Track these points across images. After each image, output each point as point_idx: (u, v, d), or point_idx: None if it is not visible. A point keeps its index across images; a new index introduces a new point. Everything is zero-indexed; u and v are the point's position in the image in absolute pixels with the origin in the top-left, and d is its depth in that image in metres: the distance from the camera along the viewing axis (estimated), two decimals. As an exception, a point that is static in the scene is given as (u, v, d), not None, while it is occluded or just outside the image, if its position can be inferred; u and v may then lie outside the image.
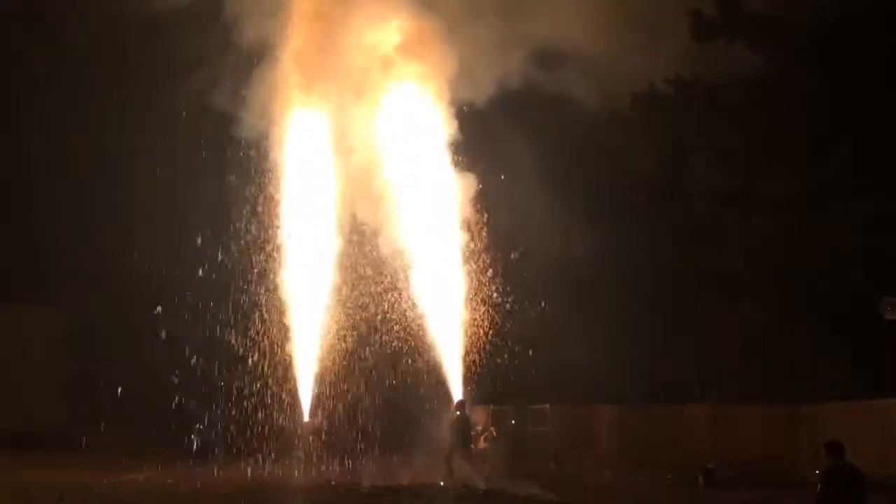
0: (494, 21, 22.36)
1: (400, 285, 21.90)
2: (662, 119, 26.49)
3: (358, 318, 22.47)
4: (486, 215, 21.96)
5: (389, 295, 22.11)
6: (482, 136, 22.44)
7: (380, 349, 22.77)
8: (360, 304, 22.40)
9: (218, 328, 23.43)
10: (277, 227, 22.65)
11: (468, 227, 21.67)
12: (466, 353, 21.53)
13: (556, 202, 24.84)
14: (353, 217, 22.38)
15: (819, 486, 9.85)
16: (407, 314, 21.96)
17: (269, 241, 22.58)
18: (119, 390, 26.81)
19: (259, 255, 22.62)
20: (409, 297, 21.80)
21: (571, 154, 26.28)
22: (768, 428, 24.02)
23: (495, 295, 22.14)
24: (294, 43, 22.43)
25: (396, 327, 22.17)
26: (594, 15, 22.80)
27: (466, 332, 21.54)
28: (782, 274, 25.23)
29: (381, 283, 22.17)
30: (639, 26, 23.94)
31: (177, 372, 24.54)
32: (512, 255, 22.46)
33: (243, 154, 22.25)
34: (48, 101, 28.31)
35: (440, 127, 21.79)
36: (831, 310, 23.66)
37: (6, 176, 29.09)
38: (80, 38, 27.44)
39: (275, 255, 22.54)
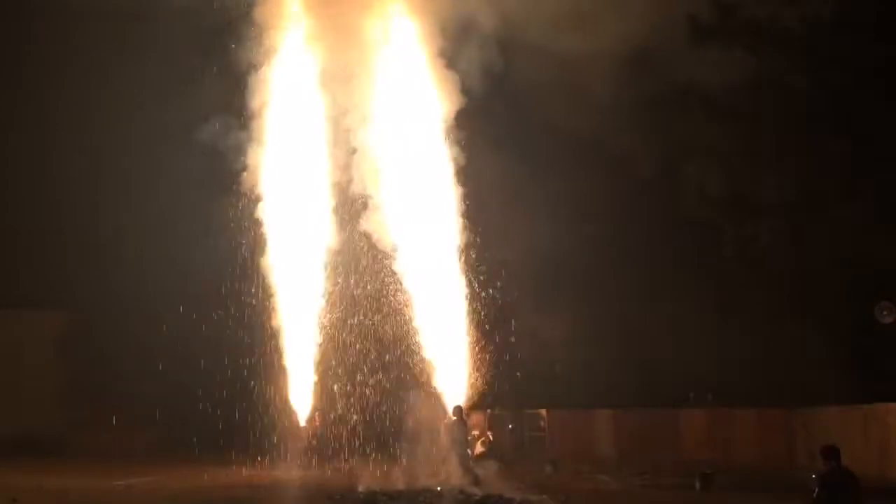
0: (492, 18, 22.41)
1: (394, 285, 21.91)
2: (659, 123, 26.51)
3: (353, 321, 22.50)
4: (478, 215, 21.99)
5: (384, 296, 22.12)
6: (473, 139, 22.43)
7: (376, 352, 22.78)
8: (353, 305, 22.43)
9: (215, 331, 23.49)
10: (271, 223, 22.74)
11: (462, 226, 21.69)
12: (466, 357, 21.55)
13: (551, 205, 24.88)
14: (346, 210, 22.46)
15: (815, 490, 9.91)
16: (403, 316, 21.96)
17: (264, 238, 22.64)
18: (117, 394, 26.87)
19: (256, 254, 22.67)
20: (403, 298, 21.80)
21: (567, 158, 26.30)
22: (765, 432, 24.03)
23: (491, 297, 22.16)
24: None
25: (392, 328, 22.18)
26: (591, 18, 22.84)
27: (463, 334, 21.54)
28: (779, 278, 25.26)
29: (376, 282, 22.18)
30: (635, 30, 24.00)
31: (177, 376, 24.60)
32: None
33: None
34: (47, 104, 28.29)
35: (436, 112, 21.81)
36: (828, 314, 23.68)
37: (6, 179, 29.09)
38: (85, 40, 27.44)
39: (269, 252, 22.58)
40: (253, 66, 22.39)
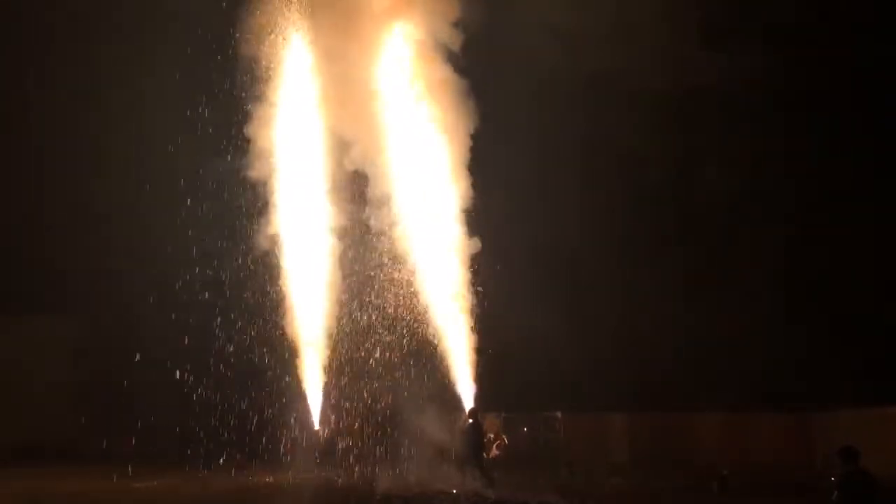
0: (503, 20, 22.39)
1: (405, 286, 21.97)
2: (674, 124, 26.48)
3: (365, 323, 22.56)
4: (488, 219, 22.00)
5: (396, 297, 22.18)
6: (486, 137, 22.40)
7: (388, 355, 22.81)
8: (365, 308, 22.51)
9: (228, 337, 23.59)
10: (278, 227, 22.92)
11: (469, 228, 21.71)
12: (477, 360, 21.53)
13: (565, 206, 24.86)
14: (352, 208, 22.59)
15: (834, 492, 9.85)
16: (416, 319, 21.99)
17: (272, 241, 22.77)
18: (129, 399, 26.96)
19: (264, 258, 22.79)
20: (416, 299, 21.84)
21: (582, 159, 26.29)
22: (781, 435, 23.91)
23: (502, 300, 22.15)
24: None
25: (405, 331, 22.22)
26: (606, 21, 22.85)
27: (477, 338, 21.54)
28: (796, 280, 25.17)
29: (387, 282, 22.25)
30: (651, 32, 24.02)
31: (187, 380, 24.69)
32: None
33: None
34: (57, 107, 28.42)
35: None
36: (846, 316, 23.57)
37: (18, 186, 29.27)
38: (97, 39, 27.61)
39: (277, 255, 22.71)
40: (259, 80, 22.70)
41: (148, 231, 27.35)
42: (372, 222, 22.21)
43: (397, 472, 21.16)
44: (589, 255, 25.37)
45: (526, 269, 24.46)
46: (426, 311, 21.82)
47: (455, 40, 21.84)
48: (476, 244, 21.55)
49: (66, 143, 28.69)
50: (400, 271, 22.11)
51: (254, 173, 23.13)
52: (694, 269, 26.20)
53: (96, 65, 27.59)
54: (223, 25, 22.61)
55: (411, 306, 22.08)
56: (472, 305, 21.59)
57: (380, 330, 22.53)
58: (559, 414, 26.88)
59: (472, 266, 21.68)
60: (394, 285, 22.25)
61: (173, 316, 24.53)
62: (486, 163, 22.18)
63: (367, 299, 22.63)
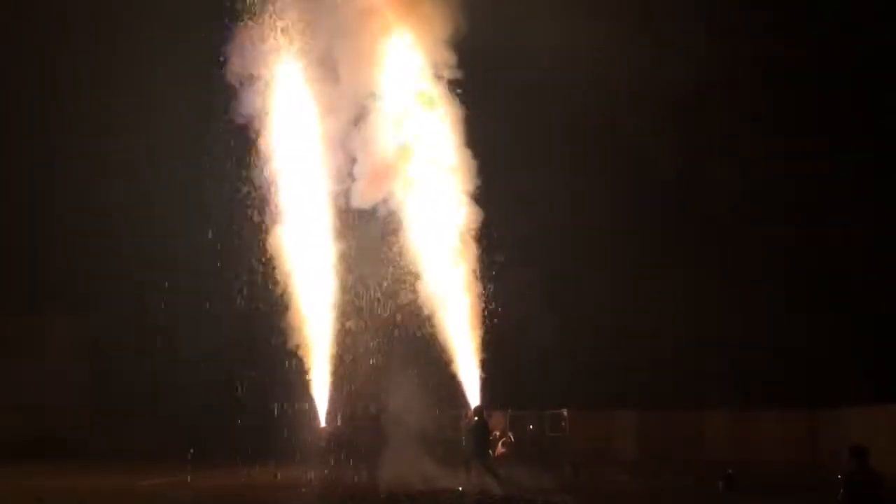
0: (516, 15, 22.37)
1: (410, 285, 21.98)
2: (682, 121, 26.48)
3: (369, 322, 22.57)
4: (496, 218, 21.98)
5: (400, 296, 22.18)
6: (496, 140, 22.38)
7: (393, 354, 22.81)
8: (369, 308, 22.52)
9: (234, 335, 23.63)
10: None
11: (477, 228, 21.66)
12: (483, 358, 21.53)
13: (574, 203, 24.84)
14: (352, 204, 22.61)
15: (841, 490, 9.82)
16: (420, 315, 21.99)
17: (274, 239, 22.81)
18: (140, 397, 27.10)
19: (270, 258, 22.81)
20: (420, 297, 21.84)
21: (592, 154, 26.28)
22: (789, 433, 23.92)
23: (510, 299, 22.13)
24: None
25: (410, 328, 22.23)
26: (615, 15, 22.83)
27: (483, 336, 21.53)
28: (803, 279, 25.14)
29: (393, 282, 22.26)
30: (660, 28, 24.02)
31: (197, 380, 24.79)
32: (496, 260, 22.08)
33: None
34: (72, 109, 28.49)
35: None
36: (853, 314, 23.54)
37: (31, 186, 29.39)
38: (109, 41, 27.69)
39: (282, 253, 22.74)
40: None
41: (158, 231, 27.45)
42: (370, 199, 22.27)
43: (401, 469, 21.13)
44: (594, 256, 25.37)
45: (531, 268, 24.44)
46: (433, 307, 21.84)
47: (459, 38, 21.84)
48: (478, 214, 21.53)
49: (82, 150, 28.79)
50: (407, 269, 22.13)
51: (257, 172, 23.15)
52: (701, 269, 26.19)
53: (109, 65, 27.65)
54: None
55: (418, 301, 22.10)
56: (480, 301, 21.60)
57: (385, 325, 22.56)
58: (565, 412, 26.88)
59: (480, 260, 21.71)
60: (400, 283, 22.28)
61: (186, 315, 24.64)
62: (486, 165, 22.19)
63: (374, 297, 22.65)
